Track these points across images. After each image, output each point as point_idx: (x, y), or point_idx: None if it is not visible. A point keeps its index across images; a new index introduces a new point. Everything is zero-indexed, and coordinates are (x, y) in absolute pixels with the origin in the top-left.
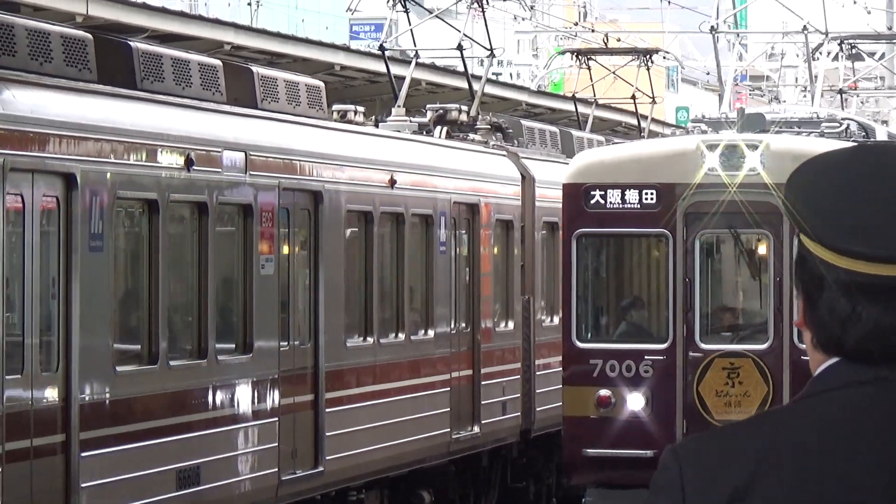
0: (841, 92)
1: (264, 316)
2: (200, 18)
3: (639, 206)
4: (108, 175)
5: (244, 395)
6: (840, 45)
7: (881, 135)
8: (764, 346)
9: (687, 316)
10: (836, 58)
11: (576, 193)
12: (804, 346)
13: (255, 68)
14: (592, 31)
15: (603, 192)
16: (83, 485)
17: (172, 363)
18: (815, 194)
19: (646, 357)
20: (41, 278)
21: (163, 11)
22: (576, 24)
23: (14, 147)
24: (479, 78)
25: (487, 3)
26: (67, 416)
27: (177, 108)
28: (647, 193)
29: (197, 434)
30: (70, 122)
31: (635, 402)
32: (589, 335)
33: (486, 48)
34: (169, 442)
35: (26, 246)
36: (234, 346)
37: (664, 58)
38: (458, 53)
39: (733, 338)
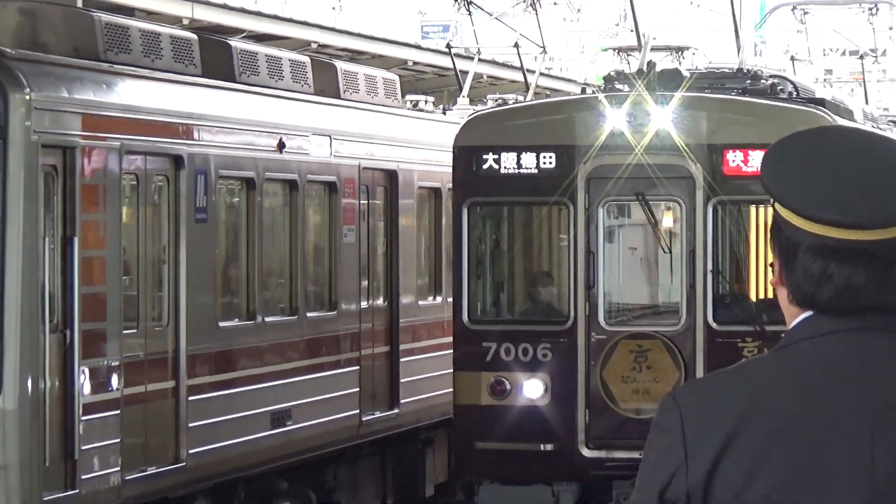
0: (792, 59)
1: (347, 278)
2: (290, 20)
3: (536, 170)
4: (211, 156)
5: (330, 347)
6: (793, 10)
7: (823, 95)
8: (675, 327)
9: (590, 293)
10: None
11: (466, 157)
12: (718, 325)
13: (338, 63)
14: (632, 31)
15: (496, 156)
16: (190, 425)
17: (268, 319)
18: (786, 170)
19: (544, 339)
20: (153, 246)
21: (258, 14)
22: (617, 24)
23: (130, 132)
24: (533, 72)
25: (540, 6)
26: (176, 365)
27: (270, 98)
28: (544, 157)
29: (289, 381)
30: (178, 110)
31: (532, 389)
32: (482, 314)
33: (539, 46)
34: (264, 388)
35: (140, 218)
36: (321, 304)
37: (693, 54)
38: (514, 50)
39: (641, 317)
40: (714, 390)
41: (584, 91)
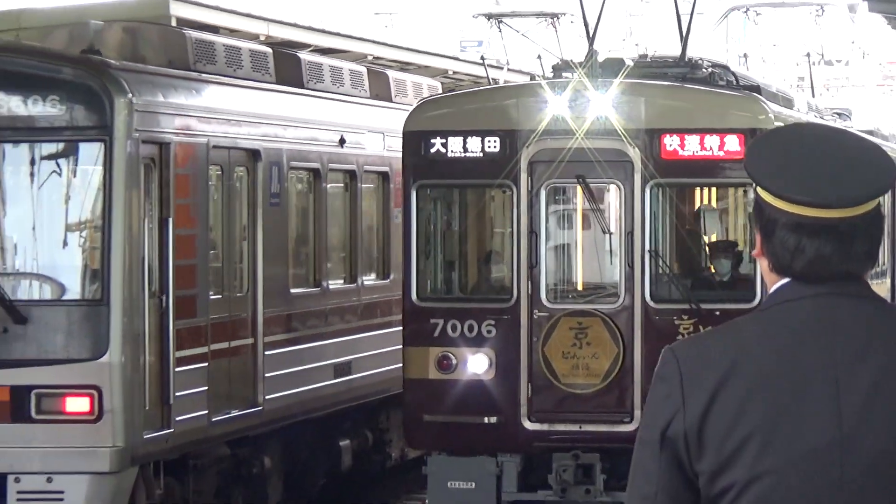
0: (745, 56)
1: (397, 252)
2: (350, 36)
3: (481, 154)
4: (283, 150)
5: (383, 310)
6: (745, 12)
7: (764, 82)
8: (614, 305)
9: (532, 272)
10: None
11: (416, 142)
12: (655, 304)
13: (390, 72)
14: (636, 45)
15: (444, 140)
16: (266, 375)
17: (331, 286)
18: (766, 159)
19: (489, 316)
20: (235, 225)
21: (323, 31)
22: (624, 40)
23: (215, 130)
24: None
25: (559, 24)
26: (255, 325)
27: (333, 101)
28: (489, 141)
29: (349, 338)
30: (255, 112)
31: (477, 364)
32: (430, 292)
33: (558, 57)
34: (328, 344)
35: (223, 202)
36: (375, 274)
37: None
38: (538, 61)
39: (582, 295)
40: (707, 345)
41: (532, 79)
